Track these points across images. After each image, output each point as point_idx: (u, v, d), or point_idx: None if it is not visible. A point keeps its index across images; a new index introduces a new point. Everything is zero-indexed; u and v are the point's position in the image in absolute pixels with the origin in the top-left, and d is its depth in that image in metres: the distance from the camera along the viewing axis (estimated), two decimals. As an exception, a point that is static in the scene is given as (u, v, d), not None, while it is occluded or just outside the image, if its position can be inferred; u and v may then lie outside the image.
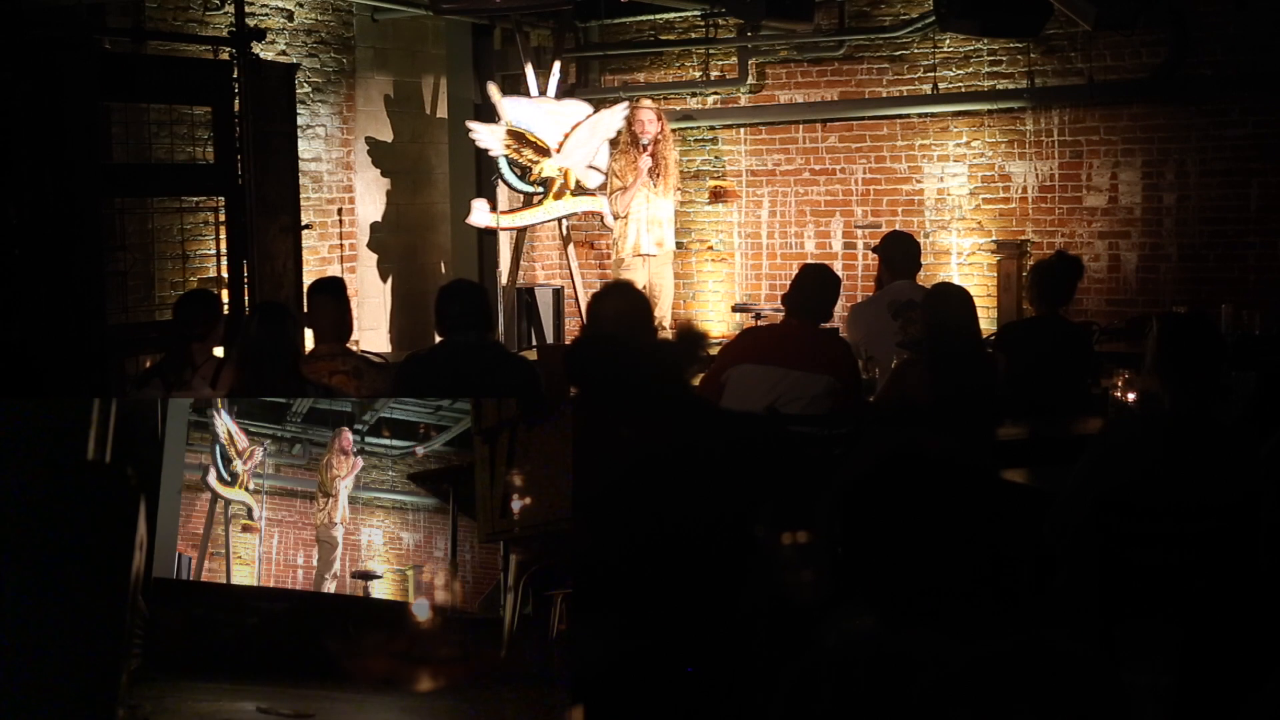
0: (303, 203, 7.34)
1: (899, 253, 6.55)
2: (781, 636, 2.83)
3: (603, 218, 9.23)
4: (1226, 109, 8.60)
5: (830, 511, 2.04)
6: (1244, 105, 8.54)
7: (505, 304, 9.44)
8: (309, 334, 5.63)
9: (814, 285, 5.57)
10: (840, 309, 9.39)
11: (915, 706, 1.80)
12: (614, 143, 9.28)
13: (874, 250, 6.88)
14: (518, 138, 9.29)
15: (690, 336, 3.78)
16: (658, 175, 8.84)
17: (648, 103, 8.97)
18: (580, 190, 9.43)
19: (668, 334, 7.60)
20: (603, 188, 9.23)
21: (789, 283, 5.66)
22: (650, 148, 8.73)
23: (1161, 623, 3.71)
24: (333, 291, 5.42)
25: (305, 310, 5.52)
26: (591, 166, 9.27)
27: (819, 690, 1.87)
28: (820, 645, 1.96)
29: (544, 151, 9.36)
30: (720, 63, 10.22)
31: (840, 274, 9.85)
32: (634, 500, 3.01)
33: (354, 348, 5.62)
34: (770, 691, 1.96)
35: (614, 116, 9.26)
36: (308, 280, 7.26)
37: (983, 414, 4.93)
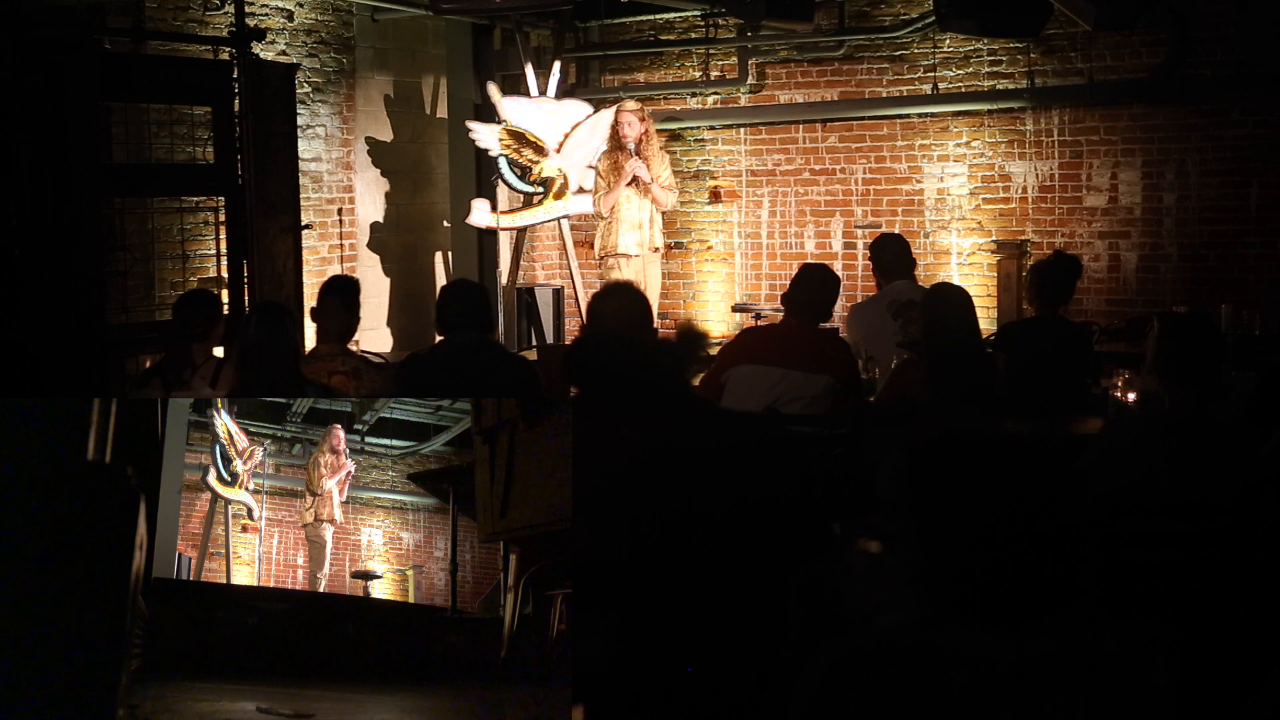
0: (303, 203, 7.34)
1: (888, 255, 6.54)
2: (811, 633, 2.82)
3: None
4: (1226, 109, 8.60)
5: (887, 490, 1.92)
6: (1244, 105, 8.54)
7: (505, 304, 9.44)
8: (312, 331, 5.63)
9: (813, 284, 5.57)
10: (840, 309, 9.40)
11: (955, 704, 1.74)
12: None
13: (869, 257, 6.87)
14: (517, 138, 9.29)
15: (691, 336, 3.78)
16: (636, 181, 8.71)
17: (631, 104, 8.84)
18: (580, 190, 9.42)
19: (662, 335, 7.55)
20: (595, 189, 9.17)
21: (789, 282, 5.66)
22: (637, 149, 8.62)
23: (1161, 623, 3.70)
24: (343, 294, 5.42)
25: (314, 307, 5.51)
26: (591, 167, 9.26)
27: (852, 680, 1.80)
28: (856, 634, 1.89)
29: (544, 151, 9.37)
30: (720, 63, 10.22)
31: (840, 274, 9.87)
32: (634, 500, 3.01)
33: (353, 348, 5.62)
34: (788, 684, 1.90)
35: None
36: (308, 280, 7.27)
37: (982, 414, 4.92)
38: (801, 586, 2.90)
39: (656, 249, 8.82)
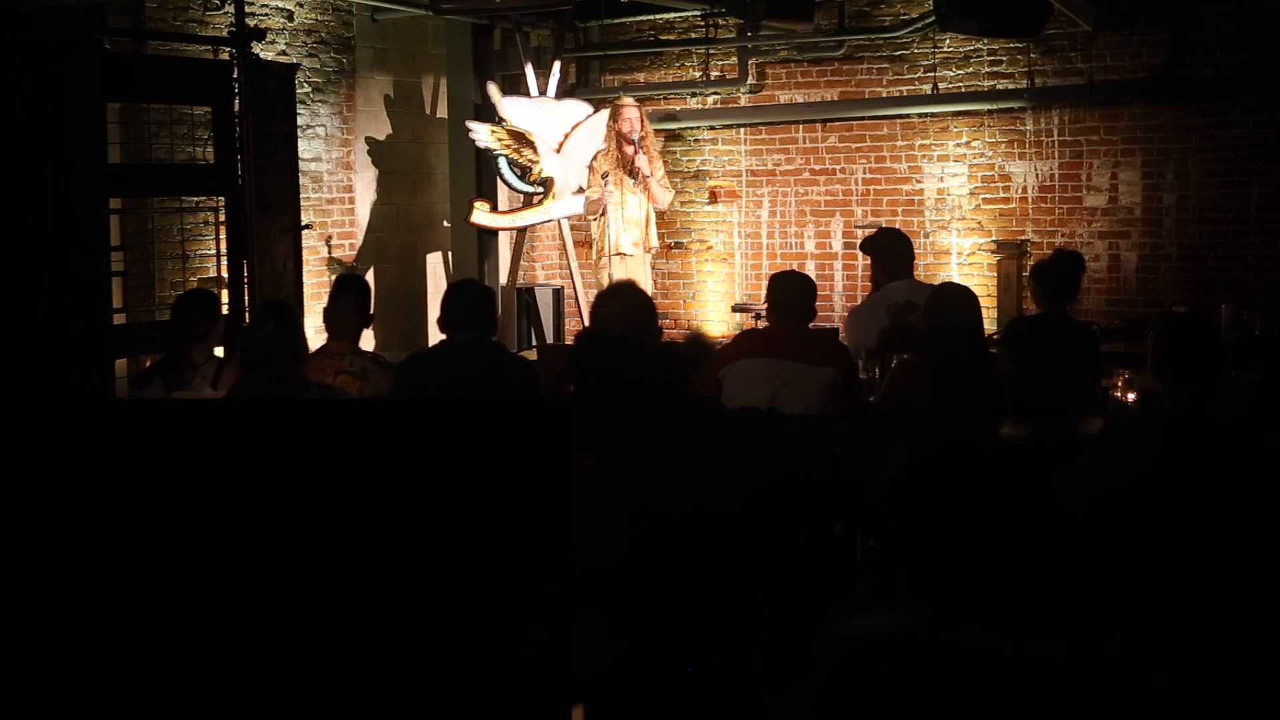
0: (303, 203, 7.33)
1: (889, 252, 6.47)
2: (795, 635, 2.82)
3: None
4: (1226, 109, 8.59)
5: (881, 499, 1.98)
6: (1244, 105, 8.54)
7: (505, 304, 9.44)
8: (318, 330, 5.64)
9: (786, 288, 5.56)
10: (841, 310, 9.41)
11: (960, 698, 1.76)
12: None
13: (862, 249, 6.79)
14: (517, 138, 9.29)
15: (701, 344, 3.79)
16: (637, 174, 8.77)
17: (630, 100, 8.88)
18: (580, 190, 9.42)
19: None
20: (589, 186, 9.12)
21: (765, 296, 5.63)
22: (640, 145, 8.68)
23: (1161, 623, 3.70)
24: (356, 291, 5.43)
25: (327, 306, 5.52)
26: (591, 166, 9.26)
27: (860, 672, 1.81)
28: (858, 631, 1.91)
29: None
30: (720, 63, 10.22)
31: (840, 274, 9.92)
32: (634, 500, 3.01)
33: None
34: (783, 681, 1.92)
35: (614, 117, 9.25)
36: (307, 280, 7.27)
37: (983, 414, 4.91)
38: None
39: (651, 249, 8.85)
